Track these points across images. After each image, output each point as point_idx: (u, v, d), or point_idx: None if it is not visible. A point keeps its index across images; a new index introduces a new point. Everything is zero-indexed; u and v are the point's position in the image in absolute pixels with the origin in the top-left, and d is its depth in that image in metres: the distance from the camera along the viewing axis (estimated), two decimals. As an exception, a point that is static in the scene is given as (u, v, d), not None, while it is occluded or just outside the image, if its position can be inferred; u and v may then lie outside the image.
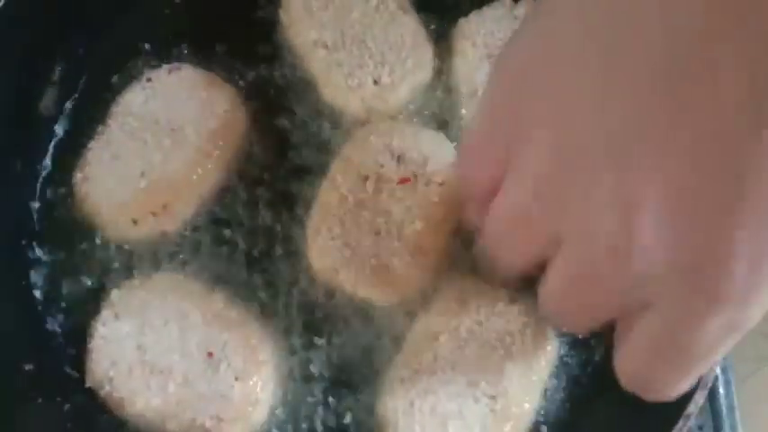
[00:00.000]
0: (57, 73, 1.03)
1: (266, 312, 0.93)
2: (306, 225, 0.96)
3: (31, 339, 0.93)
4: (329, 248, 0.93)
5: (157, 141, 0.96)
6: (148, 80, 1.00)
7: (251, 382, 0.88)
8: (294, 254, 0.95)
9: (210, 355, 0.88)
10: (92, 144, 0.97)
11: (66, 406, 0.90)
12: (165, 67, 1.01)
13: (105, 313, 0.90)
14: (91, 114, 1.01)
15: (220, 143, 0.97)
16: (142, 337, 0.88)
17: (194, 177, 0.96)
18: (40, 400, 0.90)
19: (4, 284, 0.94)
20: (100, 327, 0.90)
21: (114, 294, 0.91)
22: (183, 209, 0.96)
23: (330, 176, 0.97)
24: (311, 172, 0.99)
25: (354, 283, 0.92)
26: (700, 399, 0.82)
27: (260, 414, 0.89)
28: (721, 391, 1.07)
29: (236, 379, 0.87)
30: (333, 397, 0.91)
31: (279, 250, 0.96)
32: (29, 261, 0.97)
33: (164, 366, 0.87)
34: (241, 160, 1.00)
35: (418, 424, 0.87)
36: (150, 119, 0.97)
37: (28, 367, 0.90)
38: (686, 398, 0.82)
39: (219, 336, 0.89)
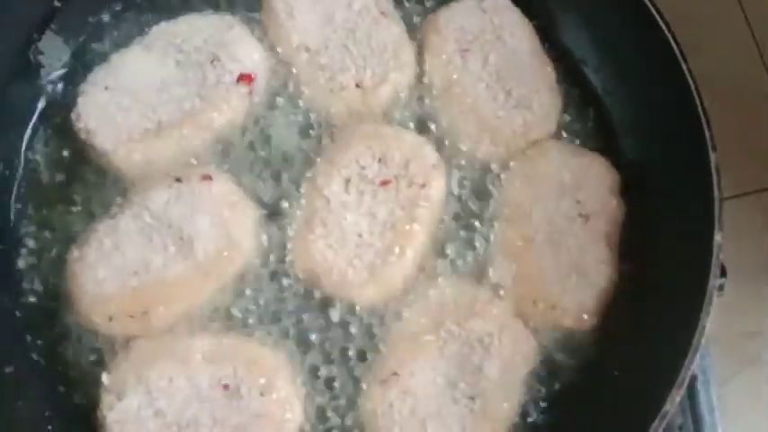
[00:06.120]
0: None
1: (251, 325, 0.93)
2: (288, 227, 0.96)
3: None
4: (311, 250, 0.93)
5: (163, 245, 0.92)
6: (178, 180, 0.95)
7: (277, 391, 0.87)
8: (276, 258, 0.95)
9: (226, 387, 0.86)
10: (99, 225, 0.93)
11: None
12: (199, 173, 0.96)
13: (107, 399, 0.86)
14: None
15: (222, 266, 0.92)
16: (155, 403, 0.86)
17: (184, 292, 0.91)
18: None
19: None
20: (108, 413, 0.86)
21: (105, 378, 0.87)
22: (161, 320, 0.91)
23: (312, 179, 0.97)
24: (293, 174, 0.99)
25: (336, 285, 0.93)
26: (676, 397, 0.83)
27: (298, 413, 0.88)
28: (701, 392, 1.08)
29: (262, 394, 0.86)
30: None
31: (260, 259, 0.96)
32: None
33: (189, 419, 0.85)
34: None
35: (397, 426, 0.87)
36: (164, 220, 0.93)
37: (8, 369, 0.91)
38: (662, 397, 0.83)
39: (225, 367, 0.87)
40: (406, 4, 1.09)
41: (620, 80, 1.06)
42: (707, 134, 0.92)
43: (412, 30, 1.07)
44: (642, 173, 1.01)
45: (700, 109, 0.93)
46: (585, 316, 0.94)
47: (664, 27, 0.97)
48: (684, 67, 0.95)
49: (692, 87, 0.94)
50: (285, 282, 0.94)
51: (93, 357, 0.91)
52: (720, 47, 1.35)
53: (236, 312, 0.93)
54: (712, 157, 0.91)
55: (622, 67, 1.05)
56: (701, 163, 0.91)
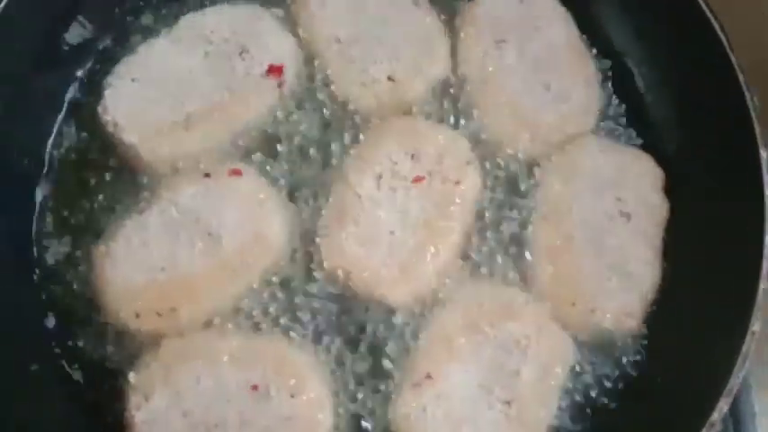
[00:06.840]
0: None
1: (280, 324, 0.90)
2: (319, 224, 0.93)
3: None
4: (342, 248, 0.91)
5: (190, 241, 0.90)
6: (206, 175, 0.93)
7: (307, 392, 0.85)
8: (306, 255, 0.93)
9: (255, 387, 0.84)
10: (126, 221, 0.92)
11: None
12: (228, 168, 0.93)
13: (134, 399, 0.85)
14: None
15: (250, 262, 0.90)
16: (183, 403, 0.84)
17: (212, 289, 0.89)
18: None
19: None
20: (135, 413, 0.84)
21: (133, 378, 0.86)
22: (190, 317, 0.88)
23: (343, 175, 0.94)
24: (324, 170, 0.96)
25: (368, 283, 0.90)
26: (724, 406, 0.79)
27: (329, 415, 0.85)
28: (743, 399, 1.04)
29: (292, 395, 0.84)
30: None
31: (289, 254, 0.93)
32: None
33: (218, 419, 0.83)
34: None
35: (431, 430, 0.85)
36: (192, 215, 0.91)
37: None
38: (710, 406, 0.79)
39: (254, 368, 0.85)
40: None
41: (663, 73, 1.02)
42: (757, 130, 0.88)
43: (446, 20, 1.03)
44: (687, 170, 0.97)
45: (750, 104, 0.89)
46: (627, 319, 0.91)
47: (711, 17, 0.93)
48: (733, 61, 0.91)
49: (742, 81, 0.90)
50: (315, 280, 0.92)
51: (119, 356, 0.90)
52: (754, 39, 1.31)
53: (264, 311, 0.91)
54: (763, 154, 0.87)
55: (666, 59, 1.02)
56: (750, 160, 0.88)
